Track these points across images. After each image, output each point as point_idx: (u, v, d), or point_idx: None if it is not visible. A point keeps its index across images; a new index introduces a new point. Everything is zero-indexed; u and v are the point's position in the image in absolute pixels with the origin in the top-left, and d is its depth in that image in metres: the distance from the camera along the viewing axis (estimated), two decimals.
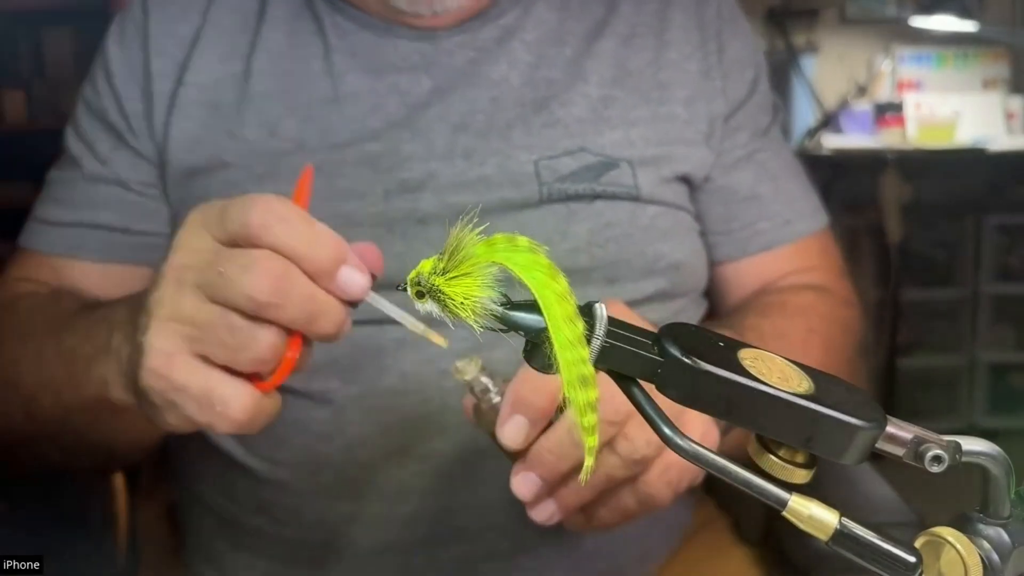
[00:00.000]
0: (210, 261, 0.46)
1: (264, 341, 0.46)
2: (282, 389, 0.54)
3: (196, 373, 0.46)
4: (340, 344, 0.61)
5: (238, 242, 0.46)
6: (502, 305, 0.32)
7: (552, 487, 0.55)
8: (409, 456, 0.69)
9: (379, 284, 0.49)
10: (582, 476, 0.32)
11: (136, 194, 0.74)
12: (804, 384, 0.33)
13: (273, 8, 0.76)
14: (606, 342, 0.32)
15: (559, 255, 0.68)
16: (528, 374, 0.53)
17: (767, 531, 0.85)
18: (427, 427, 0.68)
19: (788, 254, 0.82)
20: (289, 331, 0.46)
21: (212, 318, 0.45)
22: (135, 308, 0.50)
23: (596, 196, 0.71)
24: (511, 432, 0.53)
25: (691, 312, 0.79)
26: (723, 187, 0.80)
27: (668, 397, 0.32)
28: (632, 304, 0.68)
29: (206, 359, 0.46)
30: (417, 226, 0.69)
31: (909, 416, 0.34)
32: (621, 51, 0.78)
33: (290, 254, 0.45)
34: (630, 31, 0.79)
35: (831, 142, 2.54)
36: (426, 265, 0.34)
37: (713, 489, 0.86)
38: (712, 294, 0.85)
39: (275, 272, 0.45)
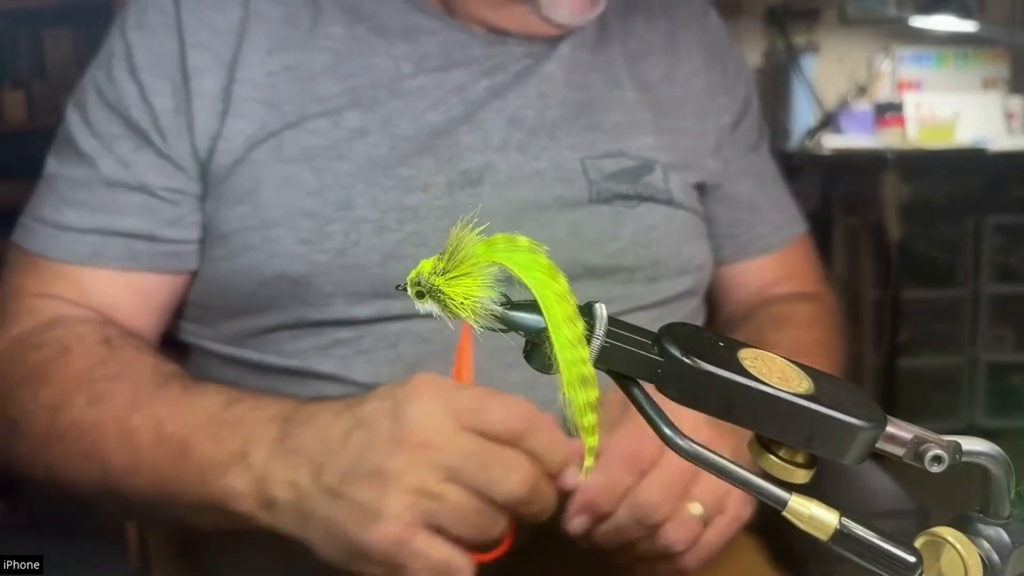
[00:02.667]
0: (471, 454, 0.53)
1: (502, 526, 0.55)
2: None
3: (436, 545, 0.53)
4: (404, 338, 0.68)
5: (495, 439, 0.54)
6: (502, 305, 0.32)
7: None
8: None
9: None
10: (581, 476, 0.32)
11: (161, 200, 0.71)
12: (804, 384, 0.33)
13: (328, 3, 0.74)
14: (606, 342, 0.32)
15: (610, 253, 0.73)
16: (598, 481, 0.57)
17: (772, 519, 0.86)
18: None
19: (781, 257, 0.89)
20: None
21: (467, 503, 0.53)
22: (290, 435, 0.56)
23: (640, 199, 0.74)
24: (576, 526, 0.58)
25: (701, 311, 0.84)
26: (730, 194, 0.86)
27: (668, 397, 0.32)
28: (667, 301, 0.75)
29: (437, 531, 0.53)
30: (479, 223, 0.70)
31: (909, 416, 0.34)
32: (638, 66, 0.81)
33: (539, 458, 0.54)
34: (645, 50, 0.82)
35: (831, 142, 2.54)
36: (426, 265, 0.34)
37: None
38: (712, 295, 0.89)
39: (532, 477, 0.54)
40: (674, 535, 0.58)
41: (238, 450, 0.57)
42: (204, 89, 0.70)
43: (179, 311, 0.77)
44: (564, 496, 0.58)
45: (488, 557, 0.56)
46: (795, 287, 0.89)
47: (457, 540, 0.54)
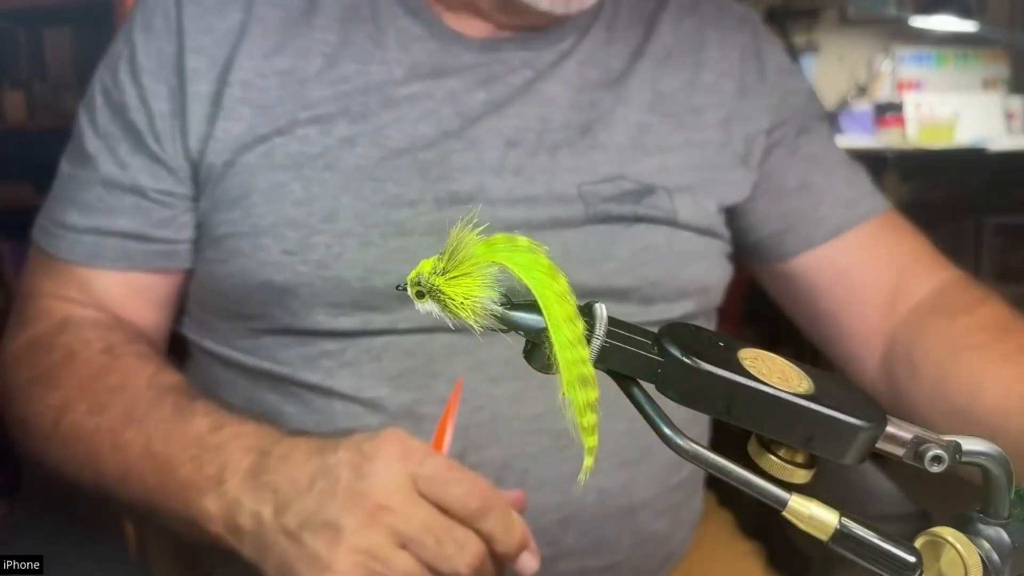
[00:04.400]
0: (427, 525, 0.54)
1: None
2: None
3: None
4: (388, 351, 0.68)
5: (451, 514, 0.55)
6: (502, 305, 0.32)
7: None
8: (460, 464, 0.69)
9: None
10: (581, 476, 0.32)
11: (154, 202, 0.72)
12: (804, 384, 0.33)
13: (324, 5, 0.73)
14: (606, 342, 0.32)
15: (603, 274, 0.71)
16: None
17: (769, 523, 0.86)
18: (479, 435, 0.68)
19: (860, 238, 0.80)
20: None
21: (413, 572, 0.54)
22: (263, 468, 0.58)
23: (637, 219, 0.72)
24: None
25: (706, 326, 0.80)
26: (772, 188, 0.80)
27: (668, 397, 0.32)
28: (662, 324, 0.69)
29: None
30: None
31: None
32: (656, 73, 0.77)
33: (489, 539, 0.55)
34: (666, 53, 0.78)
35: None
36: (426, 265, 0.33)
37: (713, 484, 0.87)
38: (778, 295, 0.84)
39: (480, 554, 0.55)
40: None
41: (215, 475, 0.59)
42: (199, 92, 0.71)
43: (181, 306, 0.78)
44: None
45: None
46: (936, 276, 0.78)
47: None
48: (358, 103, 0.71)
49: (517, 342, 0.33)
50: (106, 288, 0.73)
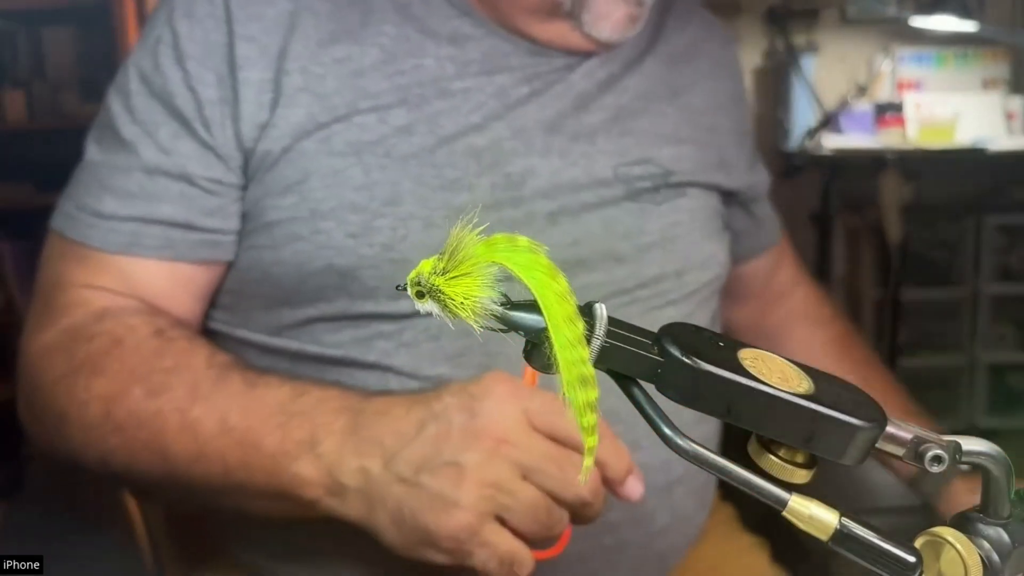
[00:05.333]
0: (547, 455, 0.57)
1: (565, 523, 0.58)
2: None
3: (505, 537, 0.56)
4: (446, 331, 0.71)
5: (565, 443, 0.58)
6: (502, 305, 0.32)
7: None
8: None
9: None
10: (581, 476, 0.32)
11: (201, 190, 0.71)
12: (804, 384, 0.33)
13: (377, 1, 0.74)
14: (606, 342, 0.32)
15: (640, 247, 0.76)
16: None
17: (772, 517, 0.86)
18: None
19: (776, 250, 1.00)
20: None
21: (538, 502, 0.56)
22: (361, 425, 0.59)
23: (664, 200, 0.78)
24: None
25: (716, 310, 0.86)
26: (742, 201, 0.92)
27: (668, 397, 0.32)
28: (692, 295, 0.79)
29: (504, 523, 0.57)
30: (523, 221, 0.72)
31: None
32: (668, 70, 0.84)
33: (602, 464, 0.58)
34: (672, 55, 0.85)
35: (831, 142, 2.54)
36: (426, 265, 0.34)
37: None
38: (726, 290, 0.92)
39: (597, 481, 0.58)
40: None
41: (307, 439, 0.59)
42: (252, 79, 0.70)
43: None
44: None
45: (546, 555, 0.59)
46: (791, 271, 1.01)
47: (521, 535, 0.57)
48: (415, 94, 0.72)
49: None
50: (145, 278, 0.71)
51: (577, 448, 0.57)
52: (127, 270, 0.71)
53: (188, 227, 0.71)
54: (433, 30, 0.75)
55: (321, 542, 0.70)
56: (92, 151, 0.74)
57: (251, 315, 0.74)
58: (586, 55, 0.79)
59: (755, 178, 0.94)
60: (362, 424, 0.59)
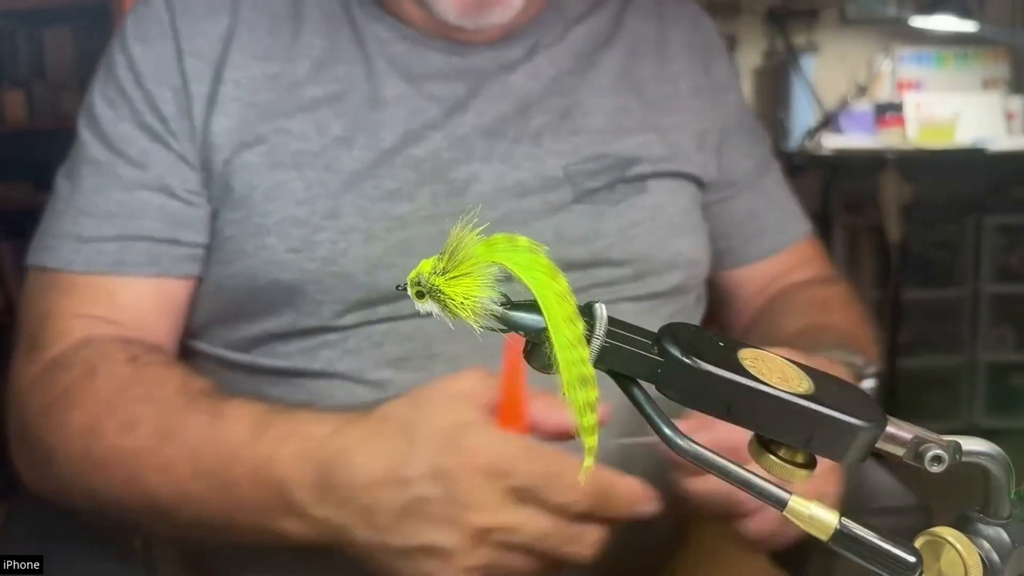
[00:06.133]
0: (542, 535, 0.55)
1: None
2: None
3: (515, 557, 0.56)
4: (389, 337, 0.70)
5: (559, 510, 0.55)
6: (502, 305, 0.32)
7: None
8: None
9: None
10: (580, 476, 0.32)
11: (181, 201, 0.71)
12: (804, 384, 0.33)
13: (309, 12, 0.75)
14: (606, 342, 0.32)
15: (596, 250, 0.74)
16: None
17: None
18: None
19: (786, 256, 0.90)
20: None
21: (534, 568, 0.56)
22: (331, 481, 0.57)
23: (621, 199, 0.76)
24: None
25: (697, 308, 0.84)
26: (722, 211, 0.87)
27: (668, 397, 0.32)
28: (656, 296, 0.76)
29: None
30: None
31: (909, 416, 0.34)
32: (629, 61, 0.82)
33: (609, 520, 0.57)
34: (634, 45, 0.83)
35: (831, 142, 2.54)
36: (426, 265, 0.33)
37: None
38: (717, 300, 0.89)
39: (601, 534, 0.57)
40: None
41: (280, 494, 0.58)
42: (201, 92, 0.72)
43: None
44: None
45: None
46: (807, 274, 0.90)
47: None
48: (348, 104, 0.73)
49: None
50: (131, 298, 0.71)
51: (576, 518, 0.56)
52: (113, 291, 0.70)
53: (172, 242, 0.71)
54: (360, 36, 0.75)
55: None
56: (62, 185, 0.74)
57: (211, 330, 0.75)
58: (523, 51, 0.78)
59: (743, 163, 0.88)
60: (332, 478, 0.57)
